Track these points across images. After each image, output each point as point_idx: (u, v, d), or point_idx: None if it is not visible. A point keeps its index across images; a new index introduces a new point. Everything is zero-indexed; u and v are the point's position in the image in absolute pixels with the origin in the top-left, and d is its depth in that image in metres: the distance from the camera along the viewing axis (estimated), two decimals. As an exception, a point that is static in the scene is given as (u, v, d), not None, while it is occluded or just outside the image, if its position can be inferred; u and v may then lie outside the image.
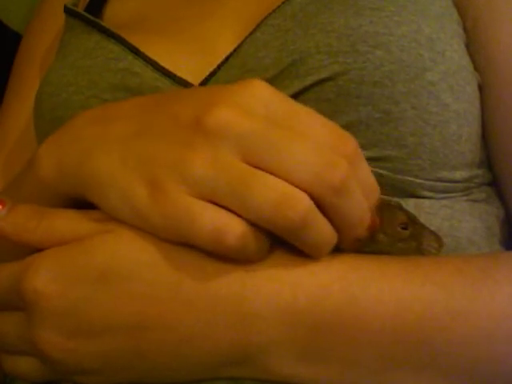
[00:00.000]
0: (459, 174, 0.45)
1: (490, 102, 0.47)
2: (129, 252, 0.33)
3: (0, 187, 0.55)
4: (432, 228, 0.37)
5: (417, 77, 0.42)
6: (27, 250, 0.35)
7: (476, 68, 0.47)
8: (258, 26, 0.46)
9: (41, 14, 0.63)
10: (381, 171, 0.43)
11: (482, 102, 0.47)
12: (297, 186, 0.31)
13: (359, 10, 0.44)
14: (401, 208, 0.37)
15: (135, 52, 0.48)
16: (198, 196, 0.31)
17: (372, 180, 0.34)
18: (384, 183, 0.42)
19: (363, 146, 0.42)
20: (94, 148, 0.34)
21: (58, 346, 0.33)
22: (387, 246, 0.36)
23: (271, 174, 0.31)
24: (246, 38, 0.46)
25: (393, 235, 0.36)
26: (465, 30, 0.48)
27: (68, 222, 0.35)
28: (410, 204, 0.42)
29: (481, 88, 0.47)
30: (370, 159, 0.42)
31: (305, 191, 0.31)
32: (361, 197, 0.32)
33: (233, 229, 0.31)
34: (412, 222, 0.36)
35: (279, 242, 0.33)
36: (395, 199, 0.39)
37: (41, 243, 0.34)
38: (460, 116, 0.44)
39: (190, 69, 0.47)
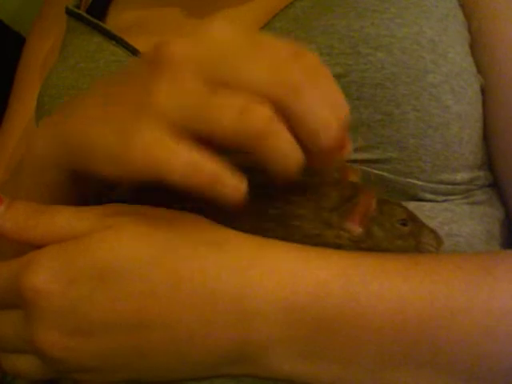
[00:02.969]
0: (460, 176, 0.45)
1: (492, 103, 0.47)
2: (128, 250, 0.33)
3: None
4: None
5: (418, 79, 0.42)
6: (26, 247, 0.35)
7: (479, 69, 0.47)
8: (261, 29, 0.47)
9: (43, 15, 0.64)
10: (382, 173, 0.42)
11: (484, 104, 0.47)
12: (257, 93, 0.30)
13: (361, 12, 0.44)
14: (400, 205, 0.37)
15: (136, 55, 0.48)
16: (170, 128, 0.31)
17: (337, 94, 0.33)
18: (385, 185, 0.43)
19: (364, 148, 0.42)
20: (78, 117, 0.34)
21: (57, 345, 0.33)
22: (385, 242, 0.35)
23: (232, 89, 0.31)
24: (249, 41, 0.47)
25: (391, 231, 0.35)
26: (470, 31, 0.48)
27: (67, 219, 0.34)
28: (410, 207, 0.42)
29: (483, 90, 0.47)
30: (370, 161, 0.42)
31: (265, 96, 0.30)
32: (323, 104, 0.31)
33: (206, 163, 0.30)
34: (411, 219, 0.36)
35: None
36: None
37: (41, 241, 0.34)
38: (461, 118, 0.44)
39: None
